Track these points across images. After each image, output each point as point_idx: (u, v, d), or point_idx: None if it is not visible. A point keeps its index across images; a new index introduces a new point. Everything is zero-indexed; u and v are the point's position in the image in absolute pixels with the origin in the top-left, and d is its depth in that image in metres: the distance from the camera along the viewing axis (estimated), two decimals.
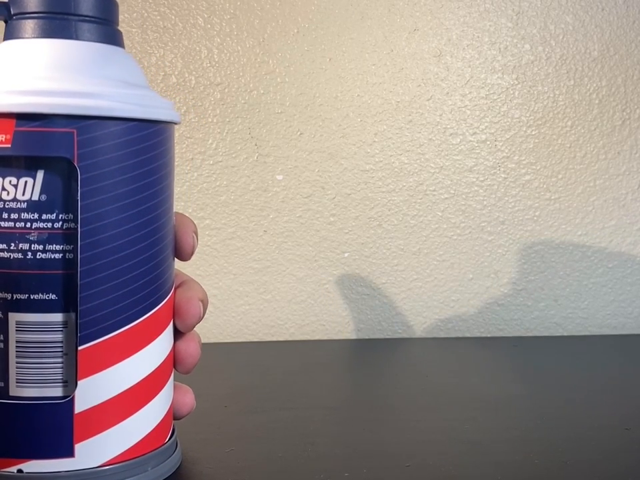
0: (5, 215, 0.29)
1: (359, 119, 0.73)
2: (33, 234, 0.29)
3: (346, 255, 0.74)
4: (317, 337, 0.74)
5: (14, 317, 0.29)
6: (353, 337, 0.74)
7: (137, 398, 0.31)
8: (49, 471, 0.29)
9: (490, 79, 0.74)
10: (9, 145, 0.28)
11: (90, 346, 0.29)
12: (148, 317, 0.31)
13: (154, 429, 0.33)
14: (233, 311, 0.73)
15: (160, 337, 0.32)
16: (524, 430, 0.44)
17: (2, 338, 0.29)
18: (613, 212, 0.76)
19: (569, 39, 0.74)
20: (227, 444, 0.41)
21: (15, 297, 0.29)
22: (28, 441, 0.29)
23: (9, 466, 0.29)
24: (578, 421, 0.46)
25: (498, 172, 0.75)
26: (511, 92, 0.74)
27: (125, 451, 0.31)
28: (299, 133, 0.72)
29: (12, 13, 0.30)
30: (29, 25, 0.30)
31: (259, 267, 0.73)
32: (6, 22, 0.31)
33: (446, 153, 0.74)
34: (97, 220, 0.29)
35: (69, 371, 0.29)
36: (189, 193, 0.69)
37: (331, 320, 0.74)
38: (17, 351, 0.29)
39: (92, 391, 0.30)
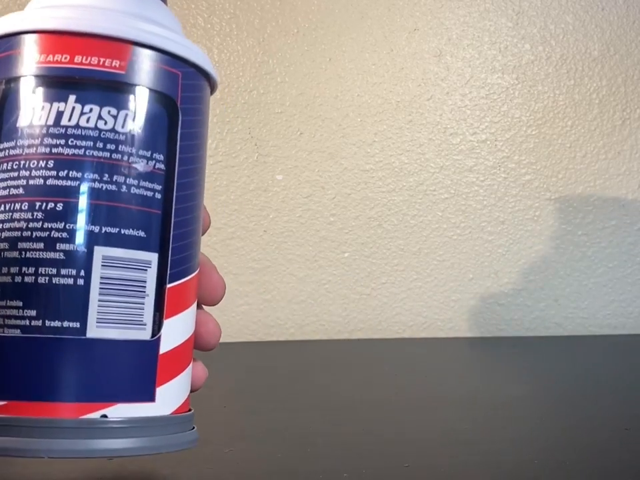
0: (100, 145, 0.27)
1: (359, 119, 0.73)
2: (128, 167, 0.28)
3: (346, 254, 0.74)
4: (317, 337, 0.74)
5: (100, 251, 0.27)
6: (353, 336, 0.74)
7: (191, 346, 0.31)
8: (133, 416, 0.28)
9: (490, 79, 0.74)
10: (124, 72, 0.27)
11: (178, 284, 0.29)
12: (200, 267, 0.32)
13: (190, 388, 0.33)
14: (233, 311, 0.73)
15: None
16: (524, 430, 0.44)
17: (82, 274, 0.27)
18: (613, 212, 0.76)
19: (569, 39, 0.74)
20: (227, 444, 0.41)
21: (103, 230, 0.27)
22: (113, 383, 0.27)
23: (93, 411, 0.27)
24: (578, 421, 0.46)
25: (498, 172, 0.75)
26: (511, 92, 0.74)
27: (183, 402, 0.31)
28: (299, 132, 0.72)
29: None
30: None
31: (258, 267, 0.73)
32: None
33: (446, 153, 0.74)
34: (191, 162, 0.30)
35: (155, 310, 0.29)
36: None
37: (331, 320, 0.74)
38: (100, 288, 0.27)
39: (174, 332, 0.29)
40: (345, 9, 0.72)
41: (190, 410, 0.32)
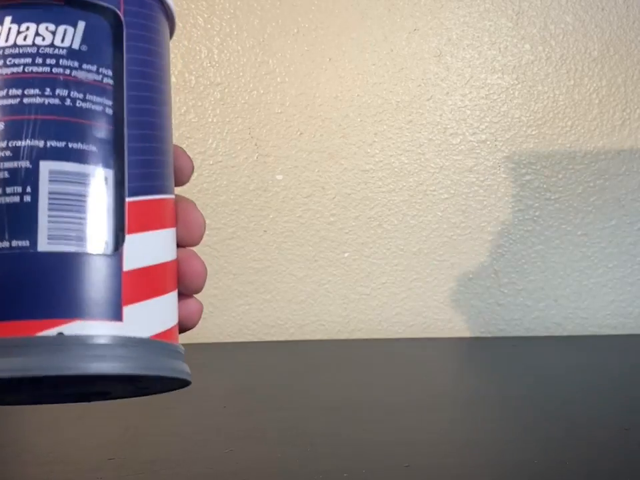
0: (40, 60, 0.27)
1: (359, 119, 0.73)
2: (72, 80, 0.27)
3: (346, 255, 0.74)
4: (317, 337, 0.74)
5: (47, 166, 0.26)
6: (353, 336, 0.74)
7: (172, 274, 0.29)
8: (95, 334, 0.25)
9: (490, 79, 0.74)
10: None
11: (141, 200, 0.27)
12: (173, 197, 0.30)
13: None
14: (233, 311, 0.73)
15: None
16: (524, 430, 0.44)
17: (29, 190, 0.26)
18: (613, 212, 0.76)
19: (569, 39, 0.74)
20: (226, 444, 0.41)
21: (48, 145, 0.26)
22: (70, 298, 0.25)
23: (48, 328, 0.25)
24: (578, 421, 0.46)
25: (498, 172, 0.75)
26: (511, 92, 0.74)
27: (166, 330, 0.28)
28: (298, 133, 0.72)
29: None
30: None
31: (259, 267, 0.73)
32: None
33: (446, 153, 0.74)
34: (141, 77, 0.28)
35: (116, 225, 0.27)
36: (189, 193, 0.69)
37: (331, 320, 0.74)
38: (50, 204, 0.26)
39: (141, 249, 0.27)
40: (345, 8, 0.72)
41: (174, 341, 0.28)
